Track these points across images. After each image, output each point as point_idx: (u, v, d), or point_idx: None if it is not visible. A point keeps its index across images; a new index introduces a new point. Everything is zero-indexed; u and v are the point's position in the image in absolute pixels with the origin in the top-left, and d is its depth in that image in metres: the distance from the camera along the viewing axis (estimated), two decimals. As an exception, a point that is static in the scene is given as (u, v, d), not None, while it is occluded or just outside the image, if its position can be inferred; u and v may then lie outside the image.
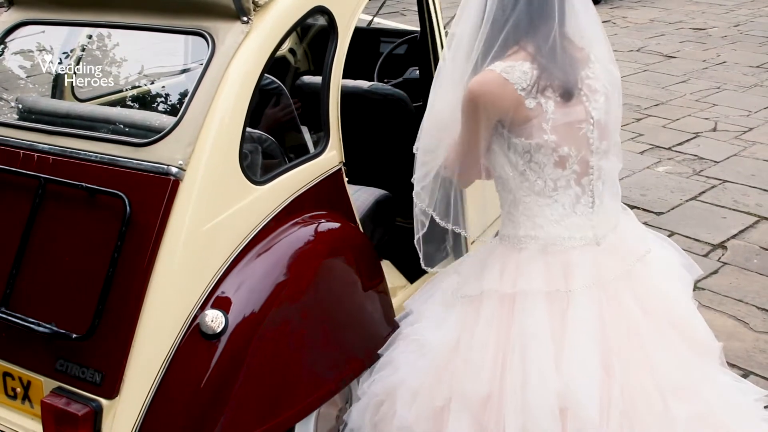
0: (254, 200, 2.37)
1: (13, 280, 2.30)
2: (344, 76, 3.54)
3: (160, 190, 2.22)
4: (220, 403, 2.20)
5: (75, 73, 3.20)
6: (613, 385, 2.07)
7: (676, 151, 6.24)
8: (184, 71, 3.01)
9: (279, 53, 4.43)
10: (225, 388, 2.20)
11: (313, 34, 4.63)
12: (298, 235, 2.46)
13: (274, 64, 4.42)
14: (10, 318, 2.24)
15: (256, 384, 2.28)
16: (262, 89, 3.23)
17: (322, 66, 4.56)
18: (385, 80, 4.23)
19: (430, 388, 2.27)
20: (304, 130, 3.10)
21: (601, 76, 2.10)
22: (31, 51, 2.93)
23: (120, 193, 2.20)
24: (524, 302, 2.14)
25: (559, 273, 2.14)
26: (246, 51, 2.36)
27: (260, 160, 2.52)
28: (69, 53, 3.18)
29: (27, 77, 2.74)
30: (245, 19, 2.36)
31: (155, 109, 2.76)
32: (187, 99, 2.31)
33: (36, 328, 2.18)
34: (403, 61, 4.28)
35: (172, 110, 2.61)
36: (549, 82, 2.02)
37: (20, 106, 2.77)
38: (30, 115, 2.71)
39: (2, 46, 2.78)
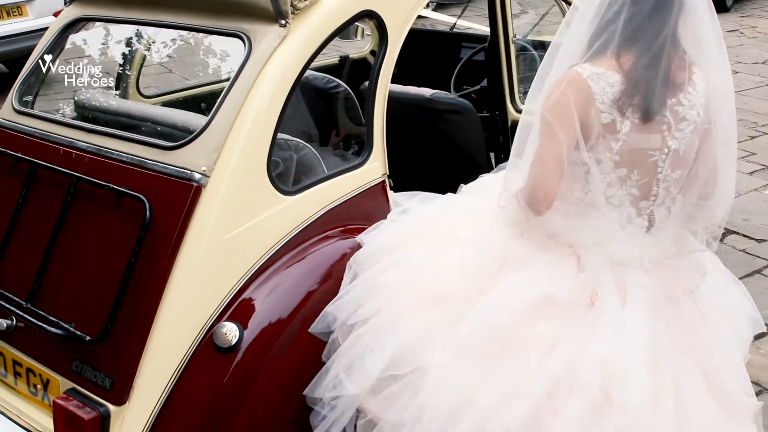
0: (281, 211, 2.28)
1: (41, 276, 2.31)
2: (422, 82, 3.45)
3: (181, 195, 2.16)
4: (229, 420, 2.12)
5: (139, 70, 3.24)
6: (662, 383, 1.92)
7: (790, 175, 5.78)
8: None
9: (359, 55, 4.38)
10: (236, 405, 2.13)
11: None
12: (327, 250, 2.36)
13: (355, 67, 4.38)
14: (29, 317, 2.23)
15: (270, 404, 2.20)
16: (325, 92, 3.17)
17: (403, 69, 4.49)
18: (464, 87, 4.07)
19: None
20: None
21: (696, 103, 1.94)
22: (89, 47, 2.96)
23: (141, 197, 2.16)
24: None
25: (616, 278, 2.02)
26: (281, 55, 2.27)
27: (293, 168, 2.43)
28: (133, 51, 3.21)
29: (82, 74, 2.75)
30: (283, 22, 2.27)
31: (201, 111, 2.72)
32: (217, 103, 2.24)
33: (48, 328, 2.17)
34: (483, 68, 4.10)
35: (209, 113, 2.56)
36: (632, 101, 1.90)
37: (72, 102, 2.79)
38: (81, 112, 2.73)
39: (61, 40, 2.81)
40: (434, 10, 8.60)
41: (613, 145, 1.93)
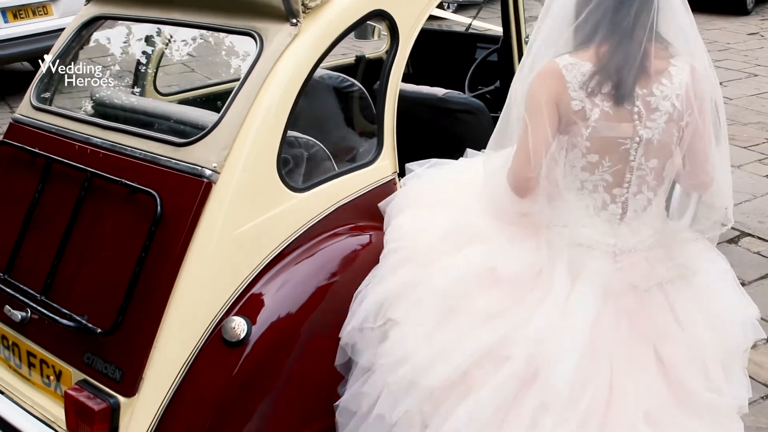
0: (291, 207, 2.30)
1: (55, 269, 2.35)
2: (437, 82, 3.46)
3: (192, 191, 2.19)
4: (237, 414, 2.15)
5: (156, 68, 3.28)
6: (593, 371, 2.01)
7: (807, 178, 5.72)
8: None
9: (375, 55, 4.40)
10: (244, 399, 2.16)
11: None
12: (336, 247, 2.38)
13: (371, 66, 4.39)
14: (42, 309, 2.27)
15: (277, 398, 2.23)
16: (340, 90, 3.19)
17: (419, 69, 4.51)
18: (479, 87, 4.08)
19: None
20: None
21: (671, 95, 1.98)
22: (108, 44, 3.01)
23: (153, 192, 2.20)
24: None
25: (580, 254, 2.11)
26: (292, 54, 2.30)
27: (304, 166, 2.46)
28: (151, 49, 3.26)
29: (100, 70, 2.80)
30: (294, 21, 2.30)
31: (216, 109, 2.76)
32: (228, 101, 2.27)
33: (60, 321, 2.21)
34: (498, 68, 4.12)
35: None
36: (601, 89, 1.97)
37: (90, 99, 2.84)
38: (97, 109, 2.78)
39: (79, 38, 2.85)
40: (455, 11, 8.61)
41: (583, 131, 2.00)
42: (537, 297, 2.09)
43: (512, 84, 2.17)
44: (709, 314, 2.16)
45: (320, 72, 3.09)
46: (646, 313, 2.09)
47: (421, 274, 2.22)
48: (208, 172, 2.19)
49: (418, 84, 3.42)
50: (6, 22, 7.21)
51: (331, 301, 2.32)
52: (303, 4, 2.29)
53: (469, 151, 2.60)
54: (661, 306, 2.12)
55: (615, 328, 2.05)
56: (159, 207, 2.17)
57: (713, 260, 2.26)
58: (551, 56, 2.03)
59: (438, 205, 2.38)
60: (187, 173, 2.22)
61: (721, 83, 4.30)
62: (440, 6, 5.60)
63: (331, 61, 4.23)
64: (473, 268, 2.16)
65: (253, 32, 2.36)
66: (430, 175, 2.52)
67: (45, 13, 7.42)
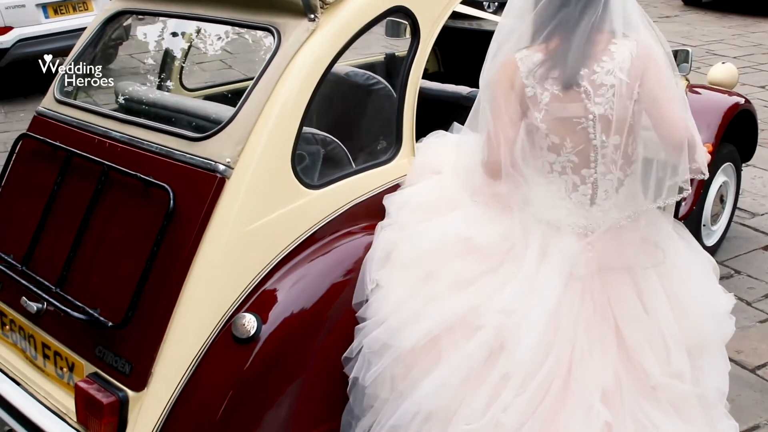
0: (305, 204, 2.28)
1: (71, 262, 2.36)
2: (469, 82, 3.41)
3: (206, 186, 2.18)
4: (246, 411, 2.13)
5: (183, 64, 3.29)
6: (555, 342, 2.09)
7: None
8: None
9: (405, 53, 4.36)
10: (254, 397, 2.14)
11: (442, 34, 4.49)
12: (352, 245, 2.35)
13: (401, 64, 4.35)
14: (55, 302, 2.28)
15: (288, 397, 2.20)
16: (367, 88, 3.17)
17: (453, 68, 4.45)
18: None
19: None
20: None
21: (614, 68, 2.07)
22: (133, 40, 3.02)
23: (166, 186, 2.19)
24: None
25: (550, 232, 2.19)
26: (309, 50, 2.27)
27: (320, 163, 2.44)
28: (179, 44, 3.26)
29: (125, 65, 2.81)
30: (312, 16, 2.28)
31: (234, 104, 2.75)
32: (243, 96, 2.26)
33: (72, 313, 2.22)
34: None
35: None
36: (548, 73, 2.11)
37: (114, 93, 2.85)
38: (119, 102, 2.79)
39: (104, 33, 2.87)
40: (494, 12, 8.50)
41: (537, 115, 2.13)
42: (509, 270, 2.17)
43: (481, 74, 2.29)
44: (677, 300, 2.21)
45: (346, 69, 3.07)
46: (613, 293, 2.16)
47: (397, 237, 2.30)
48: (221, 167, 2.18)
49: (450, 83, 3.39)
50: (47, 17, 7.33)
51: (345, 300, 2.29)
52: (321, 0, 2.26)
53: (456, 125, 2.65)
54: (628, 289, 2.17)
55: (580, 307, 2.12)
56: (172, 201, 2.17)
57: (692, 249, 2.36)
58: (512, 50, 2.18)
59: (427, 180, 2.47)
60: (200, 168, 2.21)
61: (764, 87, 4.13)
62: (479, 6, 5.55)
63: (361, 58, 4.21)
64: (449, 234, 2.24)
65: (271, 27, 2.34)
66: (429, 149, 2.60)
67: (85, 9, 7.52)
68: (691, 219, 3.97)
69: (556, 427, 2.06)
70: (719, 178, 4.25)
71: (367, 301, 2.26)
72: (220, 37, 3.34)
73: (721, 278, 4.13)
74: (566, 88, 2.09)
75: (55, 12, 7.38)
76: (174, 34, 3.24)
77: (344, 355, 2.25)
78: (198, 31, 3.17)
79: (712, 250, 4.42)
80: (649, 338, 2.15)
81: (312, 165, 2.41)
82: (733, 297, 2.41)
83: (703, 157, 2.10)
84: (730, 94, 4.35)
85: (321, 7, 2.28)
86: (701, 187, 3.97)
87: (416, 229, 2.30)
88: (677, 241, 2.30)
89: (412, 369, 2.15)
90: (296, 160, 2.26)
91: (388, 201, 2.42)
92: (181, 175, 2.24)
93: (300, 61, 2.26)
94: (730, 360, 3.17)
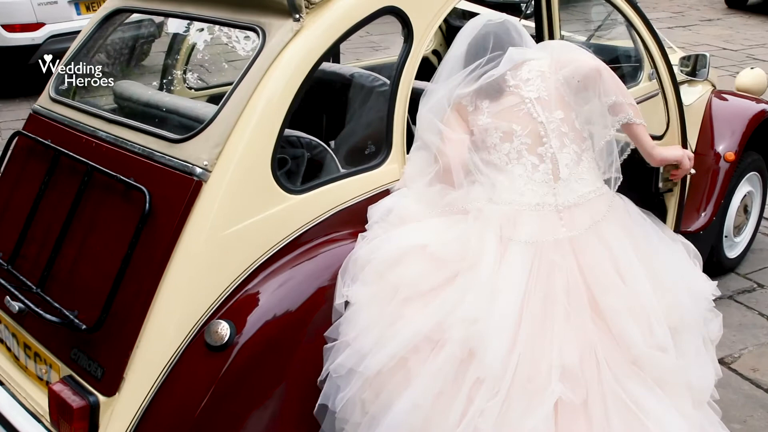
0: (285, 209, 2.22)
1: (52, 262, 2.34)
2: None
3: (182, 189, 2.14)
4: (219, 420, 2.08)
5: (186, 64, 3.26)
6: (517, 340, 2.11)
7: None
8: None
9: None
10: (227, 405, 2.09)
11: (452, 33, 4.41)
12: (334, 252, 2.28)
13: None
14: (29, 303, 2.25)
15: (264, 408, 2.15)
16: (370, 90, 3.10)
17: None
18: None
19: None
20: None
21: (535, 67, 2.37)
22: (131, 37, 3.00)
23: (143, 188, 2.15)
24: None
25: (509, 224, 2.24)
26: (293, 51, 2.22)
27: (303, 167, 2.37)
28: (179, 43, 3.24)
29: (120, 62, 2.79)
30: (297, 16, 2.22)
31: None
32: (224, 97, 2.21)
33: (45, 315, 2.19)
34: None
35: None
36: (479, 94, 2.38)
37: (109, 92, 2.83)
38: (112, 102, 2.77)
39: (100, 30, 2.85)
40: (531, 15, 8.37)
41: (481, 116, 2.36)
42: (468, 278, 2.17)
43: (419, 110, 2.46)
44: (658, 280, 2.26)
45: (351, 70, 3.01)
46: (585, 261, 2.20)
47: (367, 249, 2.27)
48: (198, 171, 2.13)
49: None
50: (79, 14, 7.41)
51: (325, 309, 2.23)
52: (307, 0, 2.20)
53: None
54: (603, 258, 2.22)
55: (546, 288, 2.15)
56: (147, 204, 2.13)
57: (669, 235, 2.52)
58: (450, 90, 2.40)
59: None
60: (178, 170, 2.17)
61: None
62: (517, 8, 5.43)
63: (372, 60, 4.15)
64: (407, 244, 2.24)
65: (256, 27, 2.29)
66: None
67: (99, 8, 7.58)
68: (711, 230, 3.83)
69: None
70: (743, 188, 4.09)
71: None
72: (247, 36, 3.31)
73: (743, 292, 4.04)
74: (499, 94, 2.36)
75: (87, 8, 7.46)
76: (174, 33, 3.23)
77: (319, 378, 2.19)
78: (190, 28, 3.15)
79: (735, 263, 4.26)
80: (629, 307, 2.17)
81: (296, 169, 2.36)
82: (716, 286, 2.50)
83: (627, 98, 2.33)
84: (758, 101, 4.19)
85: (306, 7, 2.22)
86: (722, 197, 3.83)
87: (378, 241, 2.26)
88: (650, 226, 2.44)
89: (382, 392, 2.11)
90: (277, 163, 2.20)
91: (371, 210, 2.37)
92: (160, 178, 2.20)
93: (283, 62, 2.20)
94: (744, 378, 3.06)
